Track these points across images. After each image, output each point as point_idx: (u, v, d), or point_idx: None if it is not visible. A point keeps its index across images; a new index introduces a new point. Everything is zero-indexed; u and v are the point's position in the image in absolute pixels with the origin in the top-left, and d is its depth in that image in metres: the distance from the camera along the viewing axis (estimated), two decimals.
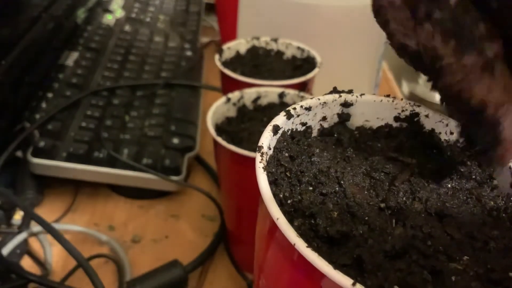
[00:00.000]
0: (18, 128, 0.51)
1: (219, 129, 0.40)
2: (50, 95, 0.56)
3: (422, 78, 1.07)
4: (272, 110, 0.42)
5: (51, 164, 0.47)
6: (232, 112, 0.42)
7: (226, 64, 0.49)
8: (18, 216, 0.45)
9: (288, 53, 0.52)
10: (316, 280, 0.16)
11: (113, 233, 0.47)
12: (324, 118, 0.23)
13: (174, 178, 0.49)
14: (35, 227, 0.45)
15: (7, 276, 0.39)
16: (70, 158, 0.48)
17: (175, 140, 0.53)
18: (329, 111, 0.23)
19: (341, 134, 0.23)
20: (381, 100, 0.24)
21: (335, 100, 0.23)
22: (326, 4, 0.53)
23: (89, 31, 0.71)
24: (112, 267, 0.43)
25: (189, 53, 0.71)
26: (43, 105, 0.54)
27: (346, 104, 0.24)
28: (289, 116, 0.22)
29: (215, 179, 0.54)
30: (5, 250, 0.42)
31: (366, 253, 0.17)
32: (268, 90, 0.43)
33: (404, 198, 0.20)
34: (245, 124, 0.40)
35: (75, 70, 0.61)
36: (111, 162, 0.49)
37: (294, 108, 0.22)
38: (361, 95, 0.24)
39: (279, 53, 0.52)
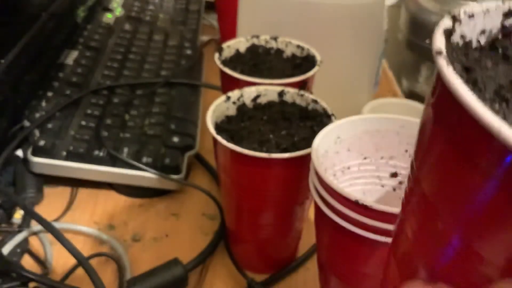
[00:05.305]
0: (18, 127, 0.51)
1: (219, 127, 0.40)
2: (50, 94, 0.56)
3: (422, 76, 1.07)
4: (271, 108, 0.42)
5: (51, 163, 0.47)
6: (232, 111, 0.42)
7: (226, 62, 0.48)
8: (18, 215, 0.45)
9: (288, 52, 0.52)
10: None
11: (113, 232, 0.47)
12: (483, 32, 0.20)
13: (174, 176, 0.49)
14: (36, 226, 0.45)
15: (7, 275, 0.39)
16: (70, 157, 0.48)
17: (175, 139, 0.53)
18: (490, 22, 0.20)
19: (507, 49, 0.19)
20: None
21: (498, 7, 0.20)
22: (326, 2, 0.53)
23: (89, 30, 0.71)
24: (112, 266, 0.43)
25: (189, 51, 0.71)
26: (43, 104, 0.54)
27: (510, 14, 0.20)
28: (454, 22, 0.18)
29: (215, 177, 0.54)
30: (6, 249, 0.42)
31: None
32: (267, 89, 0.43)
33: None
34: (245, 123, 0.40)
35: (75, 69, 0.61)
36: (111, 161, 0.49)
37: (459, 15, 0.18)
38: None
39: (279, 52, 0.52)
